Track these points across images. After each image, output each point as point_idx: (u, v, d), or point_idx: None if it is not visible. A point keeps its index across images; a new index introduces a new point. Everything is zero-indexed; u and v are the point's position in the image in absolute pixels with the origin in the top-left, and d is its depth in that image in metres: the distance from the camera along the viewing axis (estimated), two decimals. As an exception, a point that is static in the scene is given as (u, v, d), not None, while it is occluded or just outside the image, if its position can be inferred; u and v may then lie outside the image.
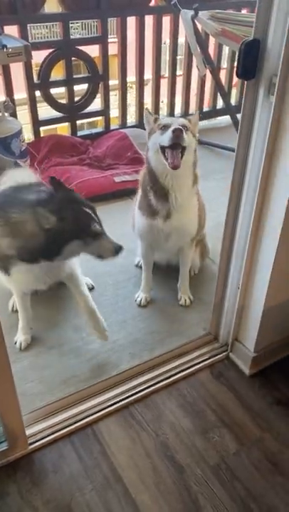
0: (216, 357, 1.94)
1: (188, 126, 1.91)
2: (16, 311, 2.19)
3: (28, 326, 2.02)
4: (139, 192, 2.11)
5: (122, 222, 2.83)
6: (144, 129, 3.45)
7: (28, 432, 1.61)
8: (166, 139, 1.83)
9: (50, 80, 3.39)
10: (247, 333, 1.87)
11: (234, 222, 1.72)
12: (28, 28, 3.13)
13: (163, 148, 1.86)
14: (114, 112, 3.90)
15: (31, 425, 1.65)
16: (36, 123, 3.43)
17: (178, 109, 4.15)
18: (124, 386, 1.80)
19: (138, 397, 1.77)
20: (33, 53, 3.18)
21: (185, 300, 2.25)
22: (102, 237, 1.71)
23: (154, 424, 1.69)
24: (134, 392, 1.78)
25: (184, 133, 1.82)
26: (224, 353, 1.96)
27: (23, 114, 3.44)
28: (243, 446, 1.63)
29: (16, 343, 1.98)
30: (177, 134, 1.79)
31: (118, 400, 1.75)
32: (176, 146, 1.82)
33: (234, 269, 1.81)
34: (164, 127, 1.87)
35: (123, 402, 1.75)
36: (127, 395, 1.77)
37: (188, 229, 2.08)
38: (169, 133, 1.81)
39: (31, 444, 1.59)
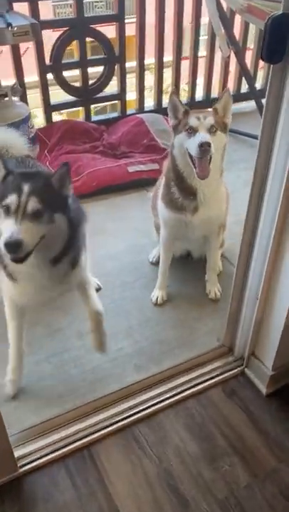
0: (230, 372, 1.77)
1: (216, 124, 1.73)
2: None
3: (21, 368, 1.71)
4: (163, 182, 1.96)
5: (135, 216, 2.67)
6: (162, 114, 3.23)
7: (21, 452, 1.48)
8: (193, 147, 1.70)
9: (63, 61, 3.20)
10: (265, 348, 1.68)
11: (255, 222, 1.52)
12: (52, 7, 2.94)
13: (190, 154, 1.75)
14: (132, 95, 3.68)
15: (24, 445, 1.51)
16: (48, 107, 3.24)
17: (199, 93, 3.90)
18: (127, 403, 1.64)
19: (142, 416, 1.61)
20: (51, 34, 3.01)
21: (215, 293, 2.12)
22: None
23: (158, 448, 1.53)
24: (137, 410, 1.62)
25: (211, 143, 1.68)
26: (239, 368, 1.77)
27: (35, 97, 3.26)
28: (256, 479, 1.46)
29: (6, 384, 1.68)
30: (204, 148, 1.67)
31: (120, 418, 1.60)
32: None
33: (253, 277, 1.61)
34: (191, 129, 1.72)
35: (125, 421, 1.59)
36: (129, 414, 1.61)
37: (217, 218, 1.98)
38: (195, 144, 1.68)
39: (22, 466, 1.46)
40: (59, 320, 2.00)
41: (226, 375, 1.76)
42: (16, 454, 1.46)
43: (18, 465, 1.45)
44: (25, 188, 1.32)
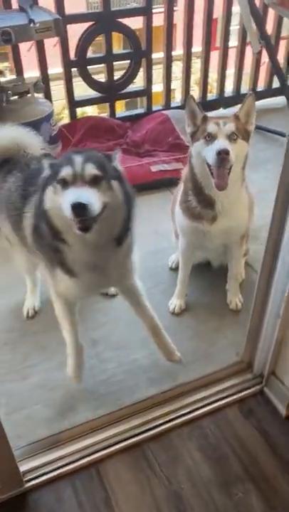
0: (248, 390, 1.68)
1: (237, 131, 1.62)
2: (32, 317, 2.03)
3: (82, 364, 1.70)
4: (181, 187, 1.87)
5: (157, 218, 2.59)
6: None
7: (27, 467, 1.45)
8: (210, 156, 1.59)
9: (89, 56, 3.13)
10: (286, 369, 1.59)
11: (280, 232, 1.42)
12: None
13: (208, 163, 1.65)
14: (160, 87, 3.57)
15: (31, 458, 1.48)
16: (72, 103, 3.19)
17: (229, 87, 3.75)
18: (139, 419, 1.59)
19: (153, 433, 1.55)
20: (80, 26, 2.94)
21: (236, 304, 2.03)
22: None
23: (169, 469, 1.47)
24: (149, 427, 1.57)
25: (231, 151, 1.57)
26: (258, 387, 1.69)
27: (60, 88, 3.20)
28: (272, 510, 1.38)
29: None
30: (222, 156, 1.56)
31: (130, 435, 1.54)
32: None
33: (275, 293, 1.52)
34: (210, 136, 1.62)
35: (136, 438, 1.54)
36: (140, 430, 1.56)
37: (238, 228, 1.87)
38: (213, 152, 1.58)
39: (28, 481, 1.43)
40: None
41: (244, 393, 1.67)
42: (23, 468, 1.43)
43: (24, 479, 1.42)
44: (78, 158, 1.29)
